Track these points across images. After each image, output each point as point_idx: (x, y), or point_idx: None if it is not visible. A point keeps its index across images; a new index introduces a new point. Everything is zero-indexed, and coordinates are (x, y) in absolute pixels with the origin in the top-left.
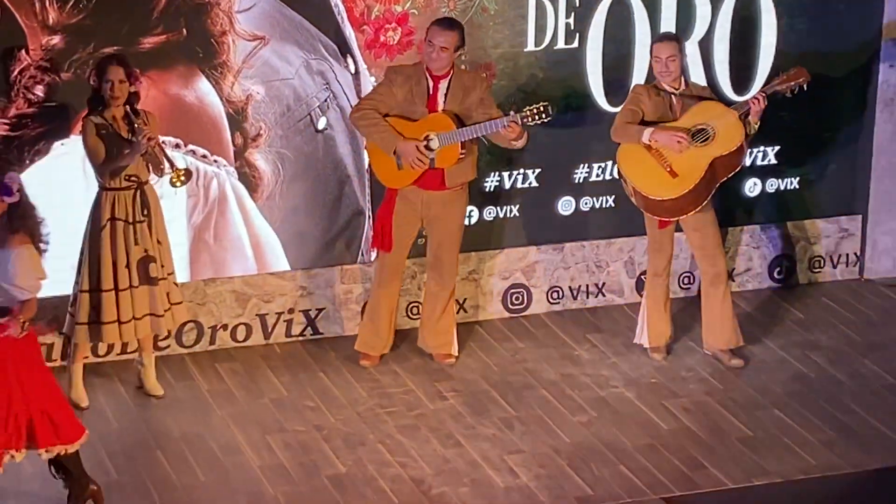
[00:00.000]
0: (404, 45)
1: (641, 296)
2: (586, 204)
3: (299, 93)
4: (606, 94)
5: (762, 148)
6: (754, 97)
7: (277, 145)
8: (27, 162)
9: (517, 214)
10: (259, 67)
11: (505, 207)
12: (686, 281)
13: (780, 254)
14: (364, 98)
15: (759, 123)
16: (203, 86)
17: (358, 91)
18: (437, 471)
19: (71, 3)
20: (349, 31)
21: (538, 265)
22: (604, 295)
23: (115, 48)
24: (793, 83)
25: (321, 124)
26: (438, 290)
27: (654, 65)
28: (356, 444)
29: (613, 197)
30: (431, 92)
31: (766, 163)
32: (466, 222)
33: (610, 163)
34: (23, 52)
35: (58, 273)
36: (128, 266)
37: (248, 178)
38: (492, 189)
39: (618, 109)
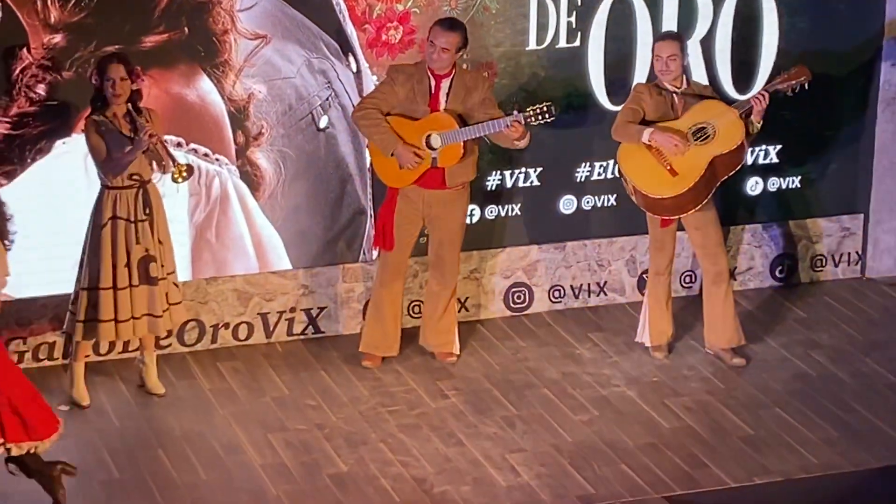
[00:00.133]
0: (406, 44)
1: (643, 294)
2: (588, 203)
3: (301, 91)
4: (608, 93)
5: (764, 147)
6: (756, 96)
7: (279, 144)
8: (29, 161)
9: (519, 213)
10: (261, 66)
11: (506, 206)
12: (688, 280)
13: (782, 253)
14: (366, 97)
15: (761, 122)
16: (205, 84)
17: (359, 90)
18: (438, 470)
19: (72, 2)
20: (351, 30)
21: (540, 264)
22: (605, 294)
23: (117, 47)
24: (794, 82)
25: (323, 123)
26: (440, 289)
27: (655, 63)
28: (358, 442)
29: (615, 196)
30: (433, 91)
31: (767, 161)
32: (468, 221)
33: (611, 161)
34: (24, 50)
35: (59, 272)
36: (128, 265)
37: (250, 176)
38: (493, 188)
39: (619, 108)
